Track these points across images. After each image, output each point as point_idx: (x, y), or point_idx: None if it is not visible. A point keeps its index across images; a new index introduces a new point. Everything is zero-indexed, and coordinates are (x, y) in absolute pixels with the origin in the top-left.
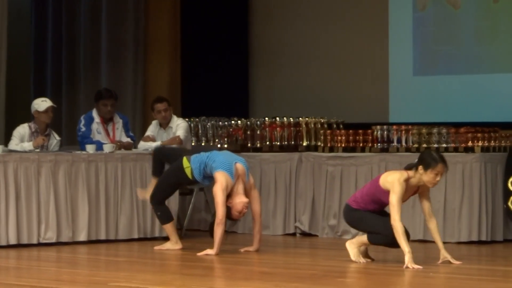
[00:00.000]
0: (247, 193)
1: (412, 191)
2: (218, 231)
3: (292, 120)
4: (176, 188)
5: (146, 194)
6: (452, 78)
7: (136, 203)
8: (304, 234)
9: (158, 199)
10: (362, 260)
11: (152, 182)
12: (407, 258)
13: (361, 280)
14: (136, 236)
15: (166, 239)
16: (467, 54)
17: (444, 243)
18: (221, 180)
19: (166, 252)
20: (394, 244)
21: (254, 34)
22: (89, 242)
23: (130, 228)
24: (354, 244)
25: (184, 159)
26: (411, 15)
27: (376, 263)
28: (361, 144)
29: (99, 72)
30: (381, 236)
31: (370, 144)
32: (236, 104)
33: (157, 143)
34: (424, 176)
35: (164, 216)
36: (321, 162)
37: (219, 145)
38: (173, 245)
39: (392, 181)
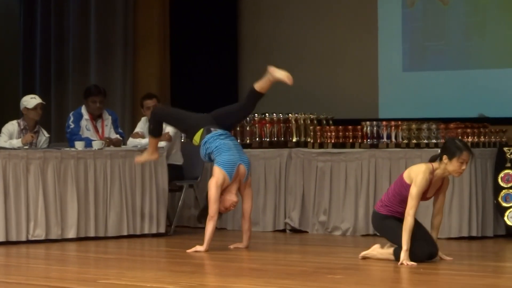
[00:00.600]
0: (241, 191)
1: (438, 185)
2: (209, 227)
3: (281, 116)
4: (179, 121)
5: (141, 158)
6: (442, 73)
7: (126, 200)
8: (294, 231)
9: (161, 114)
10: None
11: (150, 142)
12: (403, 255)
13: (351, 276)
14: (125, 233)
15: (154, 236)
16: (456, 49)
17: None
18: (218, 176)
19: (157, 248)
20: (423, 261)
21: (243, 30)
22: (78, 239)
23: (119, 225)
24: (378, 253)
25: (199, 132)
26: (400, 11)
27: (366, 260)
28: (350, 140)
29: (88, 69)
30: (411, 255)
31: (359, 140)
32: (225, 100)
33: (146, 140)
34: (449, 165)
35: (155, 131)
36: (311, 158)
37: None
38: (149, 155)
39: (417, 172)
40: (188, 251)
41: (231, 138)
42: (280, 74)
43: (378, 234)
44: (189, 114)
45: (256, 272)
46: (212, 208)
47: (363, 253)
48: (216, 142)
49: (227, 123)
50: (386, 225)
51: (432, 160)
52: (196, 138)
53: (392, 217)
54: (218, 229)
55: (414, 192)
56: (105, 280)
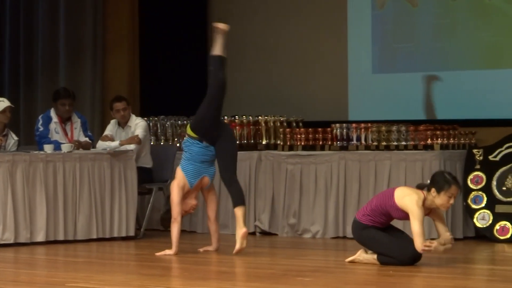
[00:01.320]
0: (205, 195)
1: (425, 213)
2: (174, 230)
3: (251, 118)
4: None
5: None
6: (411, 75)
7: (95, 203)
8: (264, 233)
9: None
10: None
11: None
12: (419, 240)
13: (319, 278)
14: (94, 236)
15: (124, 239)
16: (426, 51)
17: None
18: (179, 179)
19: (127, 252)
20: (405, 265)
21: (212, 33)
22: (47, 242)
23: (88, 228)
24: (361, 258)
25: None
26: (370, 13)
27: (336, 262)
28: (320, 143)
29: (57, 72)
30: (394, 261)
31: (329, 142)
32: (195, 103)
33: (116, 143)
34: (437, 199)
35: None
36: (281, 160)
37: (178, 144)
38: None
39: (411, 204)
40: (157, 254)
41: (211, 149)
42: (218, 24)
43: (357, 242)
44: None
45: (224, 275)
46: (175, 211)
47: (350, 258)
48: (194, 147)
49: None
50: (367, 235)
51: (420, 187)
52: (189, 132)
53: (373, 226)
54: (187, 232)
55: (416, 228)
56: (73, 283)
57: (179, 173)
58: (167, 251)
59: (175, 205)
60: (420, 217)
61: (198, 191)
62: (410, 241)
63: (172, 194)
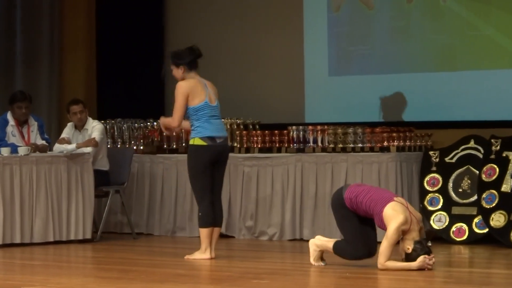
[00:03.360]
0: None
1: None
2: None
3: None
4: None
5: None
6: (367, 78)
7: (52, 206)
8: (221, 236)
9: None
10: (320, 263)
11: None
12: (418, 263)
13: (276, 281)
14: (51, 239)
15: (80, 242)
16: (382, 54)
17: None
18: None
19: (84, 254)
20: (356, 259)
21: (169, 35)
22: (4, 245)
23: (45, 231)
24: (318, 247)
25: None
26: (326, 15)
27: (293, 264)
28: (277, 145)
29: (13, 75)
30: (349, 251)
31: (286, 145)
32: (152, 105)
33: (73, 146)
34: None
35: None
36: (237, 163)
37: (135, 147)
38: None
39: (393, 225)
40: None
41: None
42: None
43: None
44: None
45: (181, 278)
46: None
47: (313, 261)
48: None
49: None
50: (343, 213)
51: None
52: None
53: (353, 212)
54: (145, 235)
55: (384, 245)
56: (30, 286)
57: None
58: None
59: (177, 109)
60: (392, 241)
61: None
62: (374, 242)
63: (177, 97)
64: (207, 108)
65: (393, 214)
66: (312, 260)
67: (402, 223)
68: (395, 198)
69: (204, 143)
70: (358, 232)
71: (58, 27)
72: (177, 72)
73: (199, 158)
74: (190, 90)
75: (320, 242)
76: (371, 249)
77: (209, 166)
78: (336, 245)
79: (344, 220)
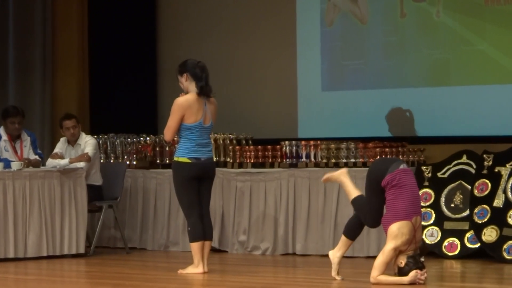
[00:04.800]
0: None
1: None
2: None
3: None
4: None
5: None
6: (360, 93)
7: (45, 221)
8: (214, 250)
9: None
10: (339, 278)
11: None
12: (410, 278)
13: None
14: (45, 254)
15: (74, 256)
16: (375, 68)
17: (353, 257)
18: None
19: (77, 269)
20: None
21: (162, 50)
22: None
23: (38, 246)
24: (337, 254)
25: None
26: (319, 30)
27: (285, 279)
28: (270, 160)
29: (6, 90)
30: (363, 214)
31: (279, 160)
32: (145, 120)
33: (65, 161)
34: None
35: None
36: (230, 178)
37: (128, 162)
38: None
39: (391, 243)
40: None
41: None
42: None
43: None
44: None
45: None
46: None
47: (333, 274)
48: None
49: None
50: (374, 188)
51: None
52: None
53: (382, 193)
54: (137, 249)
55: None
56: None
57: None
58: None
59: (171, 122)
60: (388, 259)
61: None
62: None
63: (173, 110)
64: (199, 129)
65: (397, 234)
66: (334, 274)
67: (401, 245)
68: (412, 220)
69: (188, 161)
70: (377, 208)
71: (51, 42)
72: (181, 81)
73: (183, 174)
74: (186, 108)
75: (337, 250)
76: (376, 225)
77: (194, 182)
78: (357, 198)
79: (372, 193)
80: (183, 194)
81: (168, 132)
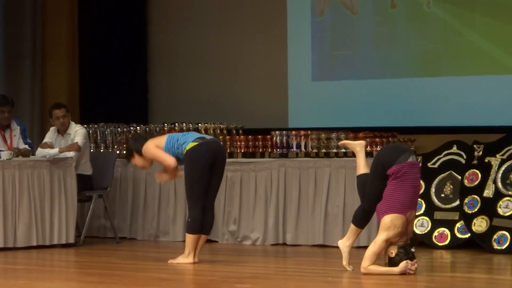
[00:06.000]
0: None
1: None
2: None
3: (191, 126)
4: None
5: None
6: (351, 83)
7: (35, 210)
8: None
9: None
10: (350, 268)
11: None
12: (400, 268)
13: (259, 285)
14: (34, 244)
15: (63, 246)
16: (365, 59)
17: None
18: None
19: (67, 259)
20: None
21: (152, 40)
22: None
23: (28, 236)
24: (347, 243)
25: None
26: (310, 20)
27: (276, 269)
28: (260, 150)
29: None
30: (361, 193)
31: (269, 150)
32: (135, 110)
33: (55, 150)
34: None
35: None
36: None
37: (118, 151)
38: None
39: (383, 234)
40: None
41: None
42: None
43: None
44: None
45: (164, 282)
46: (170, 160)
47: (344, 263)
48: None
49: None
50: (380, 174)
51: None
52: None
53: (384, 180)
54: (127, 239)
55: (369, 251)
56: None
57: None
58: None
59: (165, 155)
60: (379, 250)
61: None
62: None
63: (154, 151)
64: (173, 136)
65: (389, 226)
66: (345, 263)
67: (393, 237)
68: (407, 215)
69: (197, 143)
70: (376, 192)
71: (41, 32)
72: (135, 162)
73: (197, 159)
74: (157, 143)
75: (346, 239)
76: (371, 208)
77: (207, 169)
78: (362, 176)
79: (376, 177)
80: (194, 183)
81: (166, 160)
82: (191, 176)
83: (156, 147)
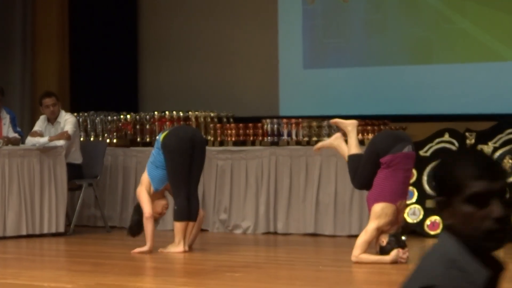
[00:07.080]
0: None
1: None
2: (148, 226)
3: (182, 114)
4: None
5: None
6: (342, 71)
7: (24, 199)
8: None
9: None
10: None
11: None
12: (391, 257)
13: (249, 274)
14: (24, 233)
15: (53, 235)
16: (357, 47)
17: (335, 236)
18: (145, 184)
19: (57, 248)
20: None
21: (143, 28)
22: None
23: (18, 225)
24: (335, 142)
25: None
26: (301, 8)
27: (266, 257)
28: (251, 138)
29: None
30: (352, 173)
31: (260, 138)
32: (125, 98)
33: (45, 139)
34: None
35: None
36: (211, 156)
37: (108, 140)
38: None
39: (373, 222)
40: (133, 251)
41: None
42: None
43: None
44: None
45: (155, 271)
46: (146, 209)
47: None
48: (161, 157)
49: None
50: (374, 160)
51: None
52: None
53: (376, 167)
54: (118, 228)
55: (360, 239)
56: (2, 280)
57: (145, 179)
58: (143, 248)
59: (146, 204)
60: (370, 238)
61: (163, 191)
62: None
63: (140, 196)
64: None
65: (380, 215)
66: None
67: (384, 226)
68: (397, 204)
69: (167, 131)
70: (367, 176)
71: (31, 19)
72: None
73: (174, 146)
74: (145, 185)
75: (342, 145)
76: (361, 189)
77: (186, 156)
78: (354, 156)
79: (369, 161)
80: (175, 170)
81: (143, 208)
82: (172, 164)
83: (144, 192)
